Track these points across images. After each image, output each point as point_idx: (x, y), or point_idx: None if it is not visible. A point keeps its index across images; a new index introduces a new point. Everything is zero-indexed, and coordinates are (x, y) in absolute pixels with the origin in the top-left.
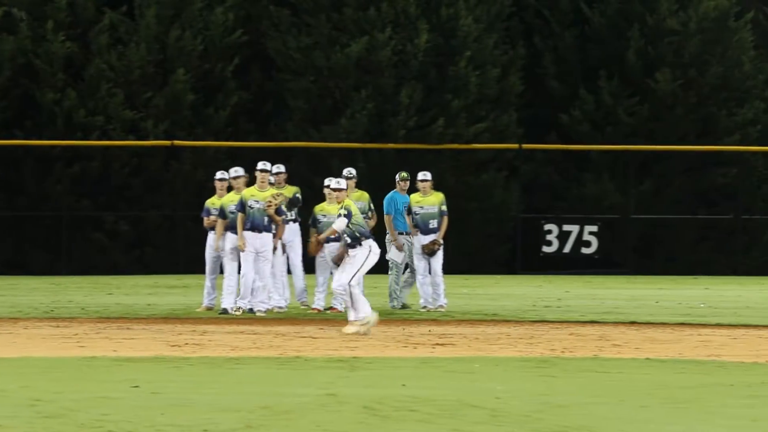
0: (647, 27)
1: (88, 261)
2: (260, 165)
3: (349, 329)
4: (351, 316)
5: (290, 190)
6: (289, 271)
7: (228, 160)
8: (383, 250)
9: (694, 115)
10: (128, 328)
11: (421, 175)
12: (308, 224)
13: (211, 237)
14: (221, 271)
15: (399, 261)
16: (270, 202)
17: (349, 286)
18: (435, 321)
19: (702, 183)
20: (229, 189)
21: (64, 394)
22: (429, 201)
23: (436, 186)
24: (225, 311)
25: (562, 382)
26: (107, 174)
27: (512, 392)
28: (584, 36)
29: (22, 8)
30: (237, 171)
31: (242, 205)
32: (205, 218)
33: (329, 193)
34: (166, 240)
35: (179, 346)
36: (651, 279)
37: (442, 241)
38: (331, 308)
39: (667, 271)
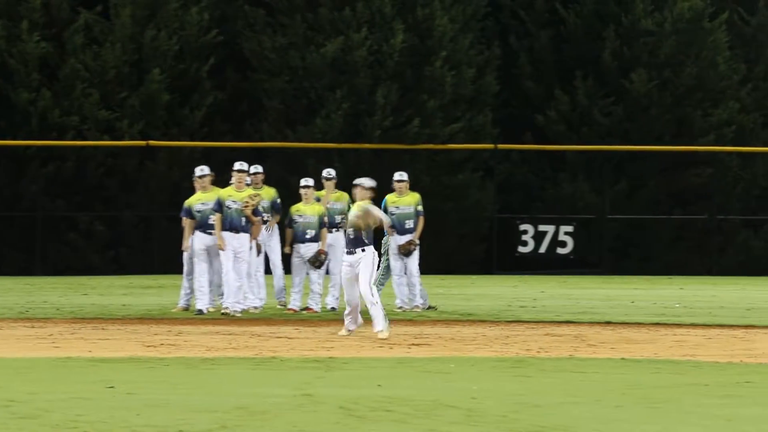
0: (622, 27)
1: (63, 261)
2: (237, 165)
3: (383, 334)
4: (378, 325)
5: (268, 191)
6: (268, 271)
7: (203, 160)
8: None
9: (670, 116)
10: (103, 329)
11: (397, 176)
12: (285, 224)
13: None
14: None
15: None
16: (247, 202)
17: (371, 288)
18: (411, 321)
19: (677, 183)
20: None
21: (39, 394)
22: (405, 201)
23: (412, 186)
24: (200, 312)
25: (538, 382)
26: (82, 174)
27: (488, 392)
28: (560, 36)
29: None
30: (203, 170)
31: (220, 206)
32: (184, 218)
33: (305, 194)
34: (142, 240)
35: (155, 347)
36: (626, 279)
37: (418, 241)
38: (307, 308)
39: (642, 271)
